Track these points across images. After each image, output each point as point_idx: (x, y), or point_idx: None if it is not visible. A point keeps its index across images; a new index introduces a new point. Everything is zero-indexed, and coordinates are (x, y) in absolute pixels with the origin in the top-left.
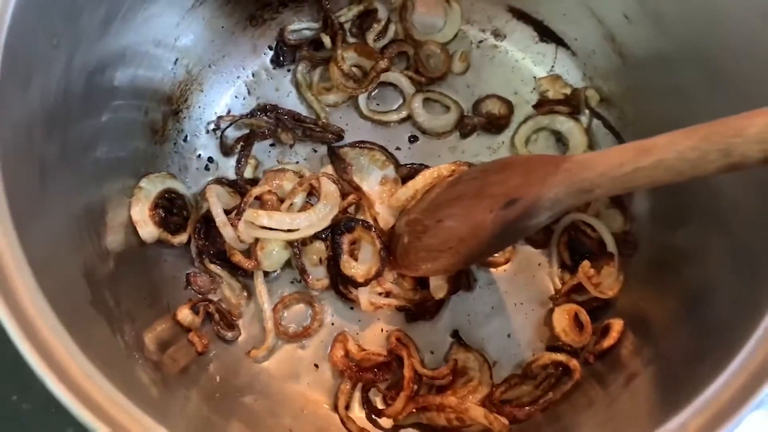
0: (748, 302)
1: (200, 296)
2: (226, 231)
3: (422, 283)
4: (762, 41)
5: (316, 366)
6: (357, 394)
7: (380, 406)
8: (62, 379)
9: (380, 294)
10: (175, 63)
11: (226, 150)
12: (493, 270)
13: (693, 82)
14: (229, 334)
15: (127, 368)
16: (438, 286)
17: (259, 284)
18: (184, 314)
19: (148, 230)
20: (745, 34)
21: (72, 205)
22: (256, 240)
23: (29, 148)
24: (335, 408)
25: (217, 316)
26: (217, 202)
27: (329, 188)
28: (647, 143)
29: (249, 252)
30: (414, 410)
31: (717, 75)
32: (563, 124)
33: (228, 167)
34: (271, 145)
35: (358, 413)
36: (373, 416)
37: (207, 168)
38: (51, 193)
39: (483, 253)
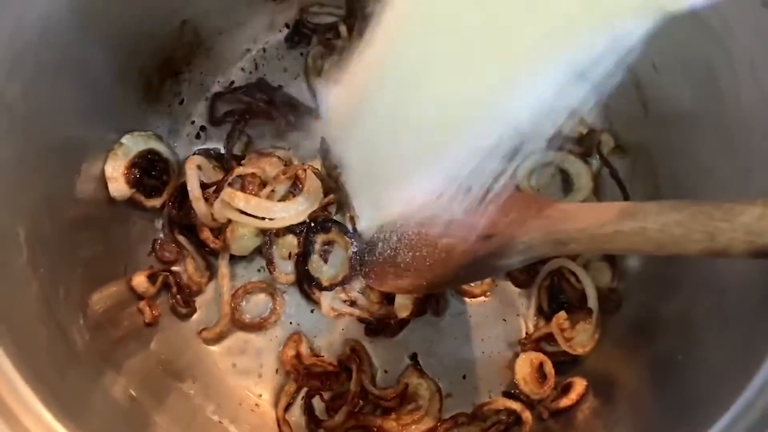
0: (724, 384)
1: (162, 266)
2: (198, 206)
3: (390, 298)
4: None
5: (265, 361)
6: (300, 399)
7: (322, 416)
8: None
9: (344, 301)
10: (184, 22)
11: (214, 121)
12: (467, 300)
13: (709, 147)
14: (184, 310)
15: (55, 329)
16: (402, 305)
17: (223, 266)
18: (140, 281)
19: (119, 187)
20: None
21: (27, 145)
22: (229, 220)
23: None
24: (275, 406)
25: (175, 288)
26: (194, 175)
27: (313, 183)
28: (634, 207)
29: (220, 231)
30: (353, 427)
31: (732, 144)
32: (572, 164)
33: (220, 139)
34: (270, 119)
35: (296, 418)
36: (312, 425)
37: (198, 136)
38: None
39: (448, 282)
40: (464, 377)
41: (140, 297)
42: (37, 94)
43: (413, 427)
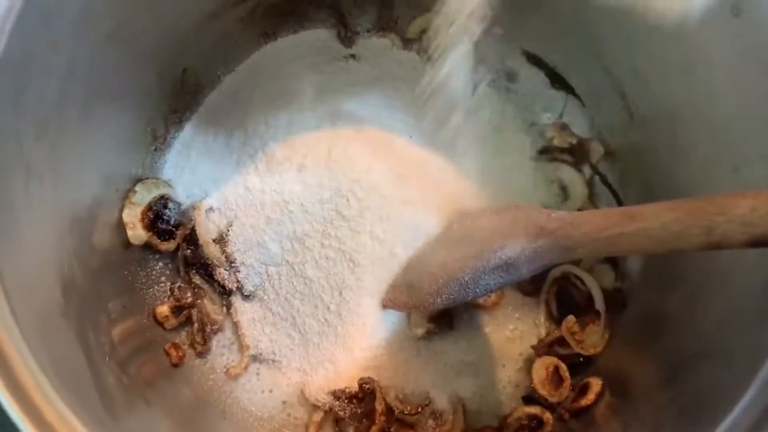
0: (733, 373)
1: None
2: (209, 249)
3: None
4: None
5: (288, 391)
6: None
7: None
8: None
9: None
10: (185, 71)
11: None
12: (479, 312)
13: (697, 146)
14: (205, 347)
15: (91, 376)
16: (418, 323)
17: (238, 302)
18: (163, 311)
19: (137, 233)
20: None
21: (57, 208)
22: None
23: (18, 151)
24: None
25: (197, 325)
26: (203, 222)
27: None
28: (633, 210)
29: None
30: None
31: (718, 141)
32: (566, 173)
33: None
34: None
35: None
36: None
37: None
38: (35, 196)
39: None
40: (483, 387)
41: (161, 325)
42: (61, 155)
43: None
